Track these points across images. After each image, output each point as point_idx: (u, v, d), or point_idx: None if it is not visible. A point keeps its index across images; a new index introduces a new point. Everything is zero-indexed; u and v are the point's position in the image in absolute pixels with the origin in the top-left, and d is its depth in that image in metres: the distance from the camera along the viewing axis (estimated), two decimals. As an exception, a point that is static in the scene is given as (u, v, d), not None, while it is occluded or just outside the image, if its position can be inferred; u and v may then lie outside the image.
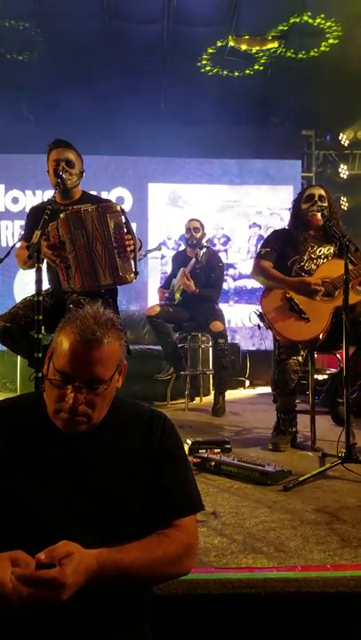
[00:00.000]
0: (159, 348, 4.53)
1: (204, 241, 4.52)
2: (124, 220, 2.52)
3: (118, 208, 2.54)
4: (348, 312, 2.44)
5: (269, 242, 3.17)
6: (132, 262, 2.55)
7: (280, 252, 3.09)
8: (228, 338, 4.39)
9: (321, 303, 2.88)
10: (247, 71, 5.94)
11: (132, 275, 2.55)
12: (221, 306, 4.62)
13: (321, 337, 2.84)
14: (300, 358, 2.96)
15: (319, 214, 2.88)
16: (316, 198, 3.06)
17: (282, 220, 6.43)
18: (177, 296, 4.49)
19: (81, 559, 0.93)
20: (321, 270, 2.97)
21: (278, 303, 2.94)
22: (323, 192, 3.10)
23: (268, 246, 3.13)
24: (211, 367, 4.71)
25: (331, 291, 2.89)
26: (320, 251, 3.03)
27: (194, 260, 4.33)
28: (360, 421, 3.53)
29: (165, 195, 6.57)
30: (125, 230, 2.52)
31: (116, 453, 1.11)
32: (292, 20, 5.09)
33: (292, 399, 3.02)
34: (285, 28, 5.20)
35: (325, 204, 3.05)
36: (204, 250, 4.32)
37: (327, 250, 3.03)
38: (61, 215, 2.54)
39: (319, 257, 3.03)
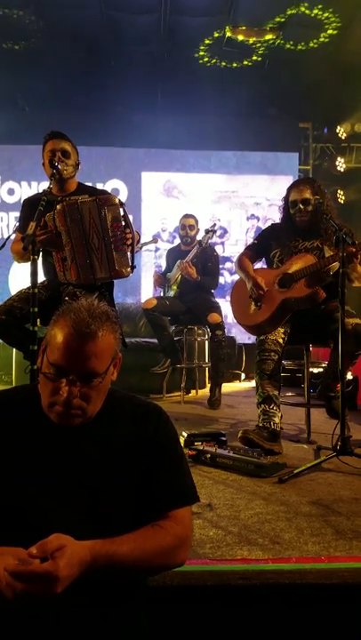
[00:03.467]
0: (155, 340, 4.52)
1: (206, 229, 4.50)
2: (122, 213, 2.49)
3: (117, 201, 2.51)
4: (343, 306, 2.45)
5: (259, 234, 3.35)
6: (129, 256, 2.53)
7: (265, 244, 3.16)
8: (225, 331, 4.39)
9: (277, 294, 2.90)
10: (245, 62, 5.90)
11: (129, 269, 2.53)
12: (218, 300, 4.61)
13: (262, 324, 2.92)
14: (277, 339, 2.81)
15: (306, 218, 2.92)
16: (300, 204, 2.92)
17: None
18: (173, 288, 4.48)
19: (73, 552, 0.93)
20: (290, 262, 2.92)
21: (245, 289, 3.07)
22: (308, 195, 2.92)
23: (256, 239, 3.30)
24: (207, 360, 4.73)
25: (287, 283, 2.88)
26: (303, 245, 2.99)
27: (197, 246, 4.36)
28: (355, 414, 3.56)
29: (160, 184, 6.50)
30: (123, 223, 2.49)
31: (111, 446, 1.11)
32: (290, 11, 5.06)
33: (270, 384, 2.75)
34: (283, 19, 5.17)
35: (310, 208, 2.91)
36: (210, 234, 4.36)
37: (310, 244, 2.97)
38: (58, 206, 2.51)
39: (300, 250, 2.97)
